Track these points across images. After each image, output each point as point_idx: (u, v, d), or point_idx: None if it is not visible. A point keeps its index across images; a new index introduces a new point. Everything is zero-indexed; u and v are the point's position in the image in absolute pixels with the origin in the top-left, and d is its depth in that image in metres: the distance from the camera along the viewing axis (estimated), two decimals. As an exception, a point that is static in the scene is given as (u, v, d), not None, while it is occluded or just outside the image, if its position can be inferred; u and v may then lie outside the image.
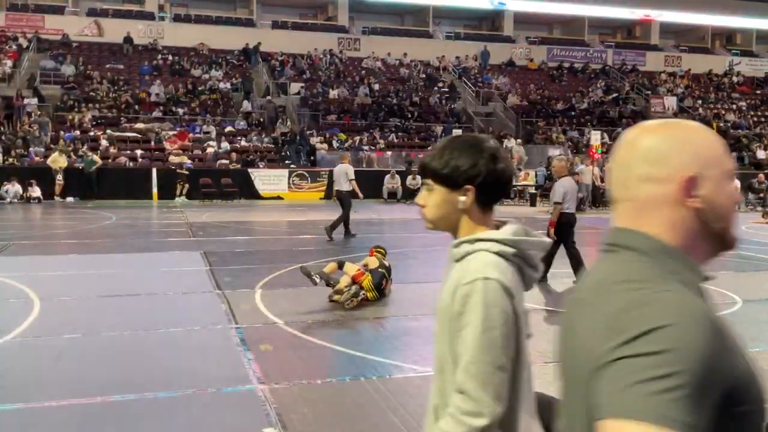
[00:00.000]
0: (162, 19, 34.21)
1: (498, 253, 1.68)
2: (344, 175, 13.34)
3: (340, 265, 7.76)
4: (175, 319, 6.92)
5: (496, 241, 1.70)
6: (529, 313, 1.73)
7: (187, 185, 22.50)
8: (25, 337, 6.15)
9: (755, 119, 35.14)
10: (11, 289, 8.11)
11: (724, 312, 7.46)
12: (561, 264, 9.28)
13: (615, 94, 35.67)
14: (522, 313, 1.67)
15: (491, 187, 1.75)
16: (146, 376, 5.14)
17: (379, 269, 7.76)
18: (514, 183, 23.95)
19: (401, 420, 4.27)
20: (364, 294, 7.44)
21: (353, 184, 13.34)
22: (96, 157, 22.14)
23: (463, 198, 1.74)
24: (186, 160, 23.73)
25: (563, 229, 8.83)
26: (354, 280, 7.45)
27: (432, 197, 1.78)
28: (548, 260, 8.99)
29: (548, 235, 8.83)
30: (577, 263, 8.94)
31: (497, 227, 1.77)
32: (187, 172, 22.68)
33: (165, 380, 5.03)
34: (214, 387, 4.88)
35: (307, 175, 24.68)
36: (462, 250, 1.73)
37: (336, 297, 7.48)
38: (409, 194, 23.25)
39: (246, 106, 28.74)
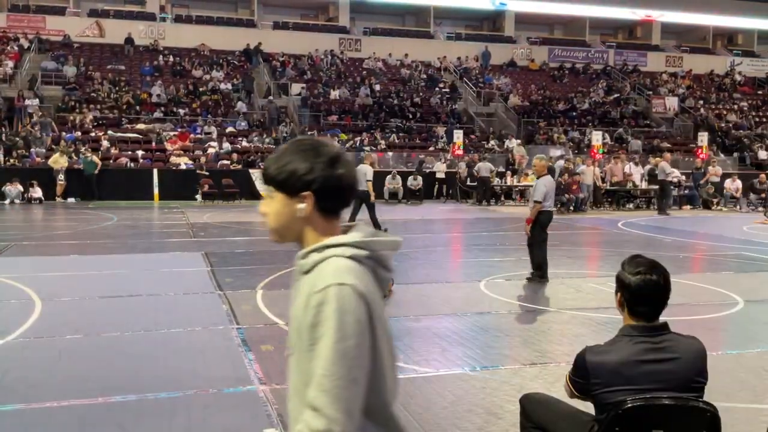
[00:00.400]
0: (163, 19, 34.19)
1: (351, 258, 1.58)
2: (363, 175, 13.64)
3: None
4: (176, 319, 6.93)
5: (348, 244, 1.59)
6: (388, 320, 1.63)
7: (206, 187, 22.40)
8: (26, 338, 6.16)
9: (756, 119, 35.09)
10: (12, 289, 8.12)
11: (726, 312, 7.45)
12: (561, 264, 9.29)
13: (616, 95, 35.63)
14: (379, 317, 1.57)
15: (331, 193, 1.62)
16: (147, 376, 5.14)
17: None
18: (516, 183, 23.93)
19: (402, 420, 4.26)
20: None
21: (369, 186, 13.79)
22: (95, 158, 22.08)
23: (301, 205, 1.62)
24: (189, 161, 23.72)
25: (539, 226, 8.93)
26: None
27: (272, 205, 1.66)
28: (542, 258, 9.05)
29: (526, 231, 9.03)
30: (541, 259, 9.01)
31: (345, 233, 1.66)
32: (207, 173, 22.67)
33: (166, 381, 5.03)
34: (215, 387, 4.88)
35: (308, 176, 24.60)
36: (310, 260, 1.61)
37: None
38: (411, 194, 23.30)
39: (240, 106, 28.66)
